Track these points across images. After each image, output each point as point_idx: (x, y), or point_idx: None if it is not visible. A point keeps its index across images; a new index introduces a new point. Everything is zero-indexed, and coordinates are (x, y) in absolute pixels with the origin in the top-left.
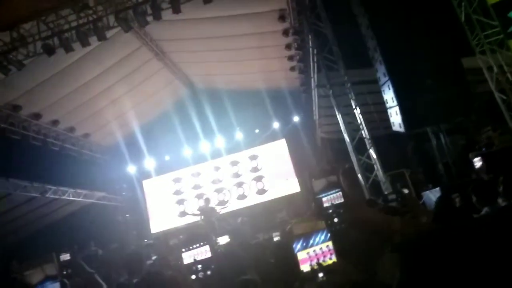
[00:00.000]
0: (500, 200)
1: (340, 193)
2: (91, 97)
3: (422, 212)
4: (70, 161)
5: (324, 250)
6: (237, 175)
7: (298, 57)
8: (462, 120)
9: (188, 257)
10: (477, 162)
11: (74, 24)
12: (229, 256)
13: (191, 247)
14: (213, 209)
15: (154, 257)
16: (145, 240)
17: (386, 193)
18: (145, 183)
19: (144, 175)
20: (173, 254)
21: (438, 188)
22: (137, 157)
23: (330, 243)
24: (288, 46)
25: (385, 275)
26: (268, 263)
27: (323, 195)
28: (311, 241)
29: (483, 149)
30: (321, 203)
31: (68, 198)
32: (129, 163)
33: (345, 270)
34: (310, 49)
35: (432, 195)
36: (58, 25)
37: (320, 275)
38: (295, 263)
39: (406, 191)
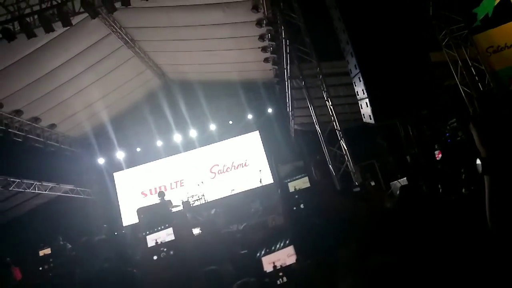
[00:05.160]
0: (463, 189)
1: (307, 178)
2: (57, 86)
3: (388, 200)
4: (35, 152)
5: (287, 254)
6: (210, 166)
7: (271, 48)
8: (429, 112)
9: (151, 240)
10: (442, 153)
11: (36, 8)
12: (199, 246)
13: (155, 230)
14: (187, 202)
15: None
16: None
17: (355, 184)
18: (116, 175)
19: (114, 167)
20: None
21: (405, 178)
22: (107, 148)
23: (291, 247)
24: (261, 37)
25: (343, 267)
26: (240, 254)
27: (289, 180)
28: (273, 247)
29: (448, 140)
30: (287, 188)
31: (33, 191)
32: (99, 155)
33: (305, 267)
34: (283, 40)
35: (399, 185)
36: (18, 8)
37: (281, 274)
38: (259, 264)
39: (372, 183)
